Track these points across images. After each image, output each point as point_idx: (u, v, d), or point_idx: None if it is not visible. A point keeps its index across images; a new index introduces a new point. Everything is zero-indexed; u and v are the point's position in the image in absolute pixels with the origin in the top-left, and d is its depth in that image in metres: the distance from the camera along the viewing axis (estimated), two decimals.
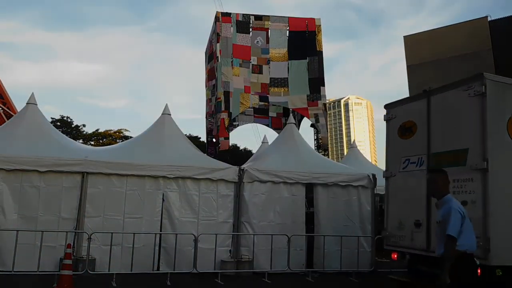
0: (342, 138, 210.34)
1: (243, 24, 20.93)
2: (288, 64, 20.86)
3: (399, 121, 8.06)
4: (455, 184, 6.51)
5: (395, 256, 7.74)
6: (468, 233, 4.56)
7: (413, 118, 7.77)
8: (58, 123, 40.96)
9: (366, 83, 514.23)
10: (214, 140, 21.58)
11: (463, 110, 6.84)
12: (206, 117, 24.40)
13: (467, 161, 6.57)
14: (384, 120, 8.50)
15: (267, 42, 20.99)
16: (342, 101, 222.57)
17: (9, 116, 26.73)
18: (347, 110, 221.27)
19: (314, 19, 21.72)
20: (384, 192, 8.56)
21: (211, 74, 22.89)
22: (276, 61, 20.85)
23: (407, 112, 7.96)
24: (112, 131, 46.20)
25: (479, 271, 5.75)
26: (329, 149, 34.85)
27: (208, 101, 23.98)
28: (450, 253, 4.45)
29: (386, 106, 8.52)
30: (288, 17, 21.69)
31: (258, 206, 10.76)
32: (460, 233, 4.46)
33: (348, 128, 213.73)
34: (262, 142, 17.20)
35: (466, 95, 6.75)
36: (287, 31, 21.35)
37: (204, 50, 25.08)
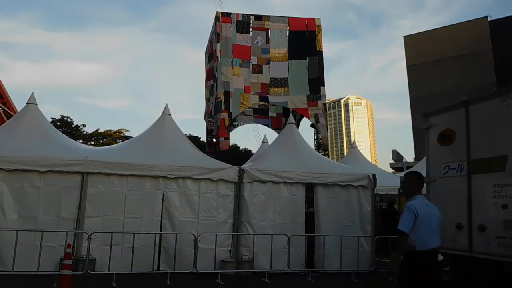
0: (342, 138, 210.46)
1: (243, 24, 20.93)
2: (288, 64, 20.86)
3: (439, 129, 8.42)
4: (495, 189, 6.95)
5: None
6: (419, 231, 4.71)
7: (452, 127, 8.13)
8: (58, 123, 40.99)
9: (366, 83, 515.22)
10: (214, 140, 21.58)
11: (501, 119, 7.15)
12: (204, 117, 24.41)
13: (506, 167, 6.85)
14: (424, 128, 8.84)
15: (267, 42, 20.99)
16: (342, 101, 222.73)
17: (9, 116, 26.73)
18: (347, 110, 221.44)
19: (314, 19, 21.72)
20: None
21: (209, 74, 22.91)
22: (276, 61, 20.84)
23: (446, 120, 8.35)
24: (112, 131, 46.25)
25: None
26: (329, 149, 34.90)
27: (207, 100, 23.99)
28: (399, 245, 5.01)
29: (425, 115, 8.88)
30: (288, 17, 21.69)
31: (258, 206, 10.76)
32: (412, 229, 4.70)
33: (348, 128, 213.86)
34: (262, 142, 17.22)
35: (505, 105, 7.06)
36: (287, 31, 21.35)
37: (204, 50, 25.09)
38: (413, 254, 4.74)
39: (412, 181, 5.19)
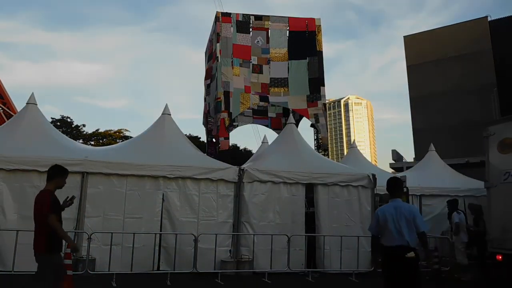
0: (342, 138, 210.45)
1: (243, 24, 20.91)
2: (288, 64, 20.84)
3: (498, 137, 8.89)
4: None
5: (500, 257, 8.52)
6: (384, 231, 5.38)
7: None
8: (58, 123, 40.94)
9: (366, 83, 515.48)
10: (214, 140, 21.56)
11: None
12: (203, 117, 24.40)
13: None
14: (484, 136, 9.24)
15: (267, 42, 20.95)
16: (342, 101, 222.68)
17: (9, 116, 26.70)
18: (347, 110, 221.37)
19: (314, 19, 21.69)
20: (487, 201, 9.37)
21: (208, 74, 22.91)
22: (276, 61, 20.80)
23: (506, 130, 8.81)
24: (112, 131, 46.20)
25: None
26: (329, 149, 34.85)
27: (204, 100, 24.01)
28: (372, 243, 6.05)
29: (486, 124, 9.35)
30: (288, 17, 21.64)
31: (258, 206, 10.76)
32: (378, 231, 5.48)
33: (348, 128, 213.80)
34: (262, 142, 17.22)
35: None
36: (287, 31, 21.31)
37: (204, 50, 25.08)
38: (383, 250, 5.44)
39: (390, 185, 5.74)
